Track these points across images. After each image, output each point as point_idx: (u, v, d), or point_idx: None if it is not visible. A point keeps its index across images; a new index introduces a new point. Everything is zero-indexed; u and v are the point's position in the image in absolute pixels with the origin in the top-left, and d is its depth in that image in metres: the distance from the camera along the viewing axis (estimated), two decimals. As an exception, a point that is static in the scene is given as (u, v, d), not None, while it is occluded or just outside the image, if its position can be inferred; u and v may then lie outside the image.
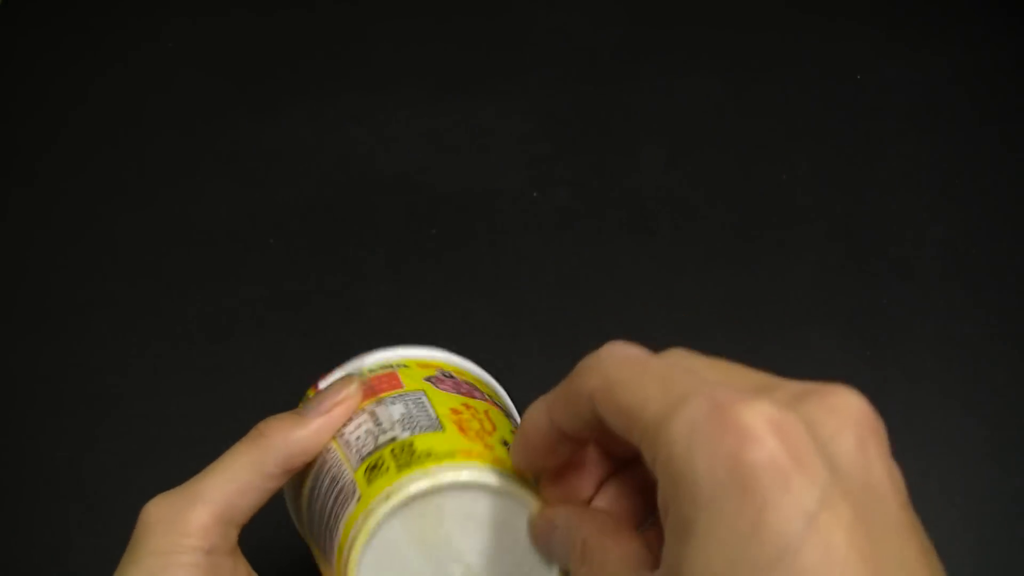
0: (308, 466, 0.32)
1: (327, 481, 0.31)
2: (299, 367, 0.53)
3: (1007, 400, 0.51)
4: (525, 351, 0.53)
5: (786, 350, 0.53)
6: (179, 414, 0.52)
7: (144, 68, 0.66)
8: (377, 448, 0.30)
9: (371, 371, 0.34)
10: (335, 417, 0.32)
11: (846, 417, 0.22)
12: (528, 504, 0.29)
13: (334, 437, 0.32)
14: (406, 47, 0.66)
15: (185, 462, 0.51)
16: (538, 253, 0.57)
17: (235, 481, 0.30)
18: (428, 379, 0.34)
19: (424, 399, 0.32)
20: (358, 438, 0.31)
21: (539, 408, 0.27)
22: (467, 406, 0.32)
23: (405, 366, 0.35)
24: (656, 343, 0.53)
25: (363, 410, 0.32)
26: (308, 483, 0.32)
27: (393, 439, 0.30)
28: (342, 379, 0.33)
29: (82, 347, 0.54)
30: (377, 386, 0.33)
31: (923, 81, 0.63)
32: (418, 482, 0.29)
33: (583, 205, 0.59)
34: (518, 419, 0.35)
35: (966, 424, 0.50)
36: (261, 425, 0.31)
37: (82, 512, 0.49)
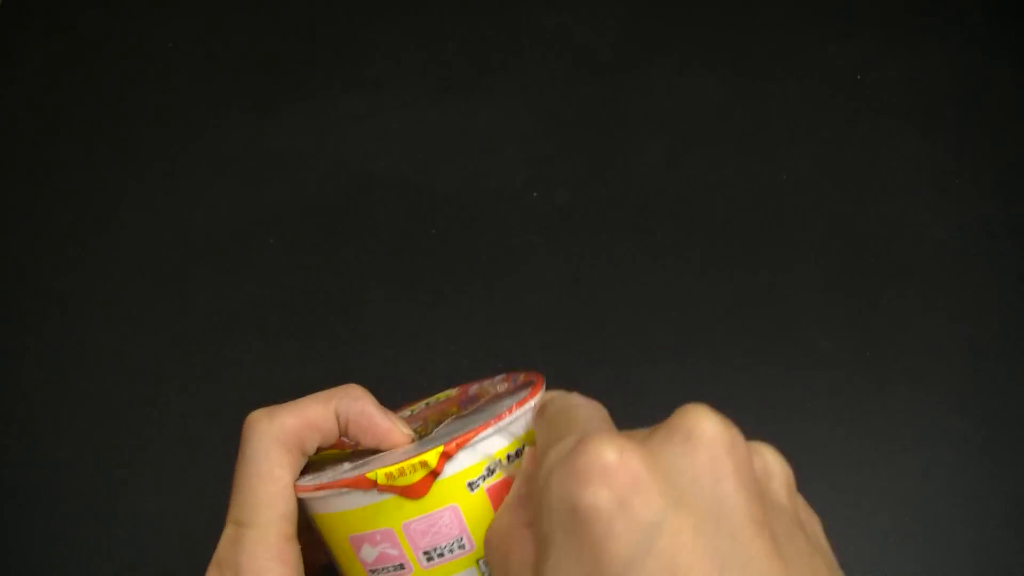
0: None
1: None
2: (299, 367, 0.53)
3: (1005, 400, 0.51)
4: (525, 351, 0.53)
5: (786, 350, 0.53)
6: (179, 414, 0.52)
7: (144, 68, 0.66)
8: None
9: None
10: None
11: (696, 442, 0.24)
12: None
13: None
14: (405, 47, 0.66)
15: (185, 462, 0.51)
16: (538, 253, 0.57)
17: None
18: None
19: None
20: None
21: None
22: None
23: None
24: (656, 343, 0.53)
25: None
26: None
27: None
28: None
29: (82, 347, 0.54)
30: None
31: (923, 81, 0.63)
32: None
33: (583, 205, 0.59)
34: None
35: (965, 424, 0.50)
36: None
37: (82, 512, 0.49)
